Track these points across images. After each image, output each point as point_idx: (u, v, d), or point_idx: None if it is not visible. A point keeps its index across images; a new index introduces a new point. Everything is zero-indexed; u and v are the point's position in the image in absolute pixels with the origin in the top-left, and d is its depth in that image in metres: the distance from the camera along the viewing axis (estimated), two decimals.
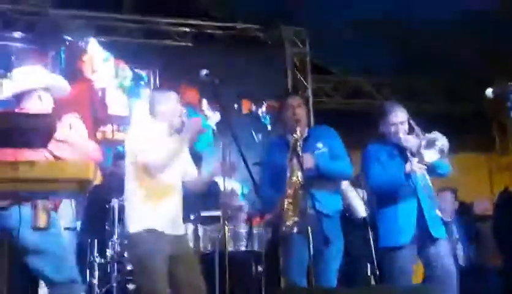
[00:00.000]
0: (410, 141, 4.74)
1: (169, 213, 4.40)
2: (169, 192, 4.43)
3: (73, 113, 4.38)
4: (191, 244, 4.71)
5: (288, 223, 4.32)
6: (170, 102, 4.48)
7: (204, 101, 10.10)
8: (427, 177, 4.86)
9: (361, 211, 5.86)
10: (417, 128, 4.78)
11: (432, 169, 4.77)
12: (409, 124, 4.84)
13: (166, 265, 4.24)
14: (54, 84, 4.39)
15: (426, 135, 4.67)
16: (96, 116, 8.65)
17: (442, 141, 4.64)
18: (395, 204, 4.77)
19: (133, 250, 4.46)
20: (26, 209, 3.77)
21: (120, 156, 7.20)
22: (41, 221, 3.80)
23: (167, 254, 4.27)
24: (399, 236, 4.71)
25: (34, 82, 4.23)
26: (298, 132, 4.45)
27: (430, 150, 4.63)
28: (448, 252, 4.84)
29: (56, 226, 4.07)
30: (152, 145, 4.29)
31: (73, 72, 9.28)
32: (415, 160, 4.67)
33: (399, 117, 4.87)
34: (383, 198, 4.91)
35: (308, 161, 4.38)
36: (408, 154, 4.75)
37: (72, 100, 8.22)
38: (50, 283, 4.05)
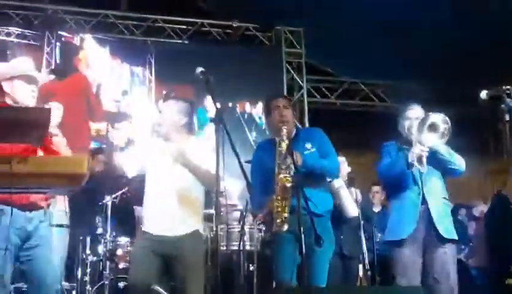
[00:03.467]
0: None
1: (163, 216, 4.56)
2: (164, 196, 4.58)
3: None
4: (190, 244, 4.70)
5: (278, 220, 4.32)
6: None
7: (209, 97, 10.10)
8: (441, 180, 4.87)
9: (352, 210, 5.86)
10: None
11: (444, 164, 4.78)
12: None
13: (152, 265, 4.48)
14: (39, 75, 4.37)
15: (427, 115, 4.70)
16: (91, 111, 8.68)
17: (438, 118, 4.66)
18: (399, 199, 4.81)
19: None
20: None
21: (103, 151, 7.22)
22: None
23: (157, 254, 4.49)
24: (399, 231, 4.73)
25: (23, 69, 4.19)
26: (285, 131, 4.46)
27: (432, 133, 4.66)
28: (454, 258, 4.83)
29: None
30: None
31: (68, 68, 9.27)
32: (417, 147, 4.68)
33: (414, 113, 4.89)
34: (390, 192, 4.97)
35: (297, 158, 4.39)
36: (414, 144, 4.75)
37: (67, 93, 8.34)
38: None
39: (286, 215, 4.32)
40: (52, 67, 9.57)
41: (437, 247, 4.69)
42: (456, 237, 4.82)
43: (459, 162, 4.84)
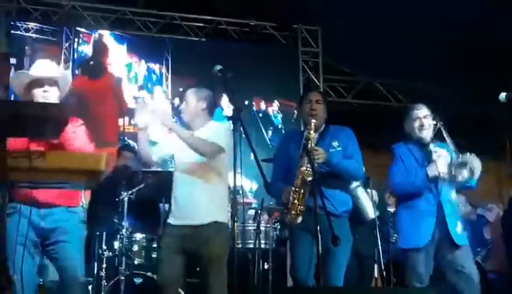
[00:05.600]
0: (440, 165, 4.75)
1: (183, 205, 4.52)
2: (184, 184, 4.54)
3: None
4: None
5: (293, 212, 4.36)
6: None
7: (225, 96, 10.15)
8: (454, 189, 4.87)
9: (370, 212, 5.86)
10: (452, 146, 4.80)
11: (463, 183, 4.79)
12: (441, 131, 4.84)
13: (177, 257, 4.43)
14: (61, 76, 4.41)
15: (460, 156, 4.68)
16: (120, 108, 8.94)
17: (475, 163, 4.67)
18: (415, 207, 4.80)
19: None
20: None
21: (128, 148, 7.25)
22: None
23: (180, 246, 4.44)
24: (416, 239, 4.73)
25: (45, 72, 4.25)
26: (313, 125, 4.51)
27: (462, 170, 4.66)
28: (472, 259, 4.85)
29: None
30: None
31: (100, 68, 9.49)
32: (440, 162, 4.69)
33: (422, 112, 4.91)
34: (404, 198, 4.94)
35: (321, 154, 4.41)
36: (434, 157, 4.75)
37: (100, 93, 8.70)
38: None
39: (302, 208, 4.36)
40: (70, 63, 9.65)
41: (452, 249, 4.70)
42: (467, 243, 4.83)
43: (476, 177, 4.82)
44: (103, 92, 9.29)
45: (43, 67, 4.30)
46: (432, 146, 4.81)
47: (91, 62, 9.79)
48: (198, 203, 4.49)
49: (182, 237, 4.44)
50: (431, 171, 4.73)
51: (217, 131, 4.58)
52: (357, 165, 4.69)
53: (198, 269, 4.65)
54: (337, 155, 4.58)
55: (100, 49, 9.89)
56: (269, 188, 4.56)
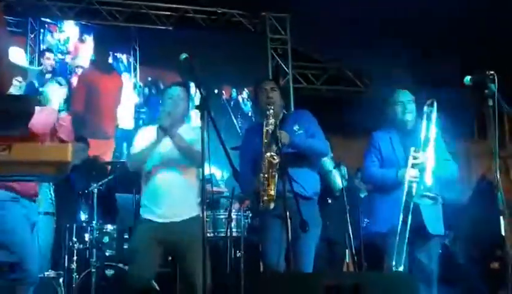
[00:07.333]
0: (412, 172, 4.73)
1: (163, 202, 4.56)
2: (164, 183, 4.58)
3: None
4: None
5: (265, 198, 4.39)
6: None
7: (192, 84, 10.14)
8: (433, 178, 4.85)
9: (339, 182, 5.88)
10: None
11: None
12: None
13: (154, 251, 4.48)
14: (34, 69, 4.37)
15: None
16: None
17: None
18: (388, 193, 4.81)
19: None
20: None
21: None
22: None
23: (158, 240, 4.49)
24: (388, 222, 4.73)
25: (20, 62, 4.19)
26: (271, 111, 4.55)
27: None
28: (438, 250, 4.90)
29: None
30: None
31: (105, 65, 10.06)
32: (411, 171, 4.70)
33: (405, 96, 4.92)
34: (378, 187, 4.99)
35: (284, 136, 4.45)
36: (410, 162, 4.72)
37: (108, 86, 9.80)
38: None
39: (272, 192, 4.39)
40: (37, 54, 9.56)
41: (424, 241, 4.73)
42: (443, 233, 4.88)
43: (453, 177, 4.92)
44: (111, 87, 9.95)
45: (16, 56, 4.22)
46: (413, 150, 4.72)
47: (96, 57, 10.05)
48: (180, 199, 4.60)
49: (164, 231, 4.51)
50: (400, 174, 4.72)
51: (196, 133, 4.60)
52: (320, 143, 4.73)
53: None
54: (299, 137, 4.62)
55: (104, 48, 10.26)
56: (239, 178, 4.60)
